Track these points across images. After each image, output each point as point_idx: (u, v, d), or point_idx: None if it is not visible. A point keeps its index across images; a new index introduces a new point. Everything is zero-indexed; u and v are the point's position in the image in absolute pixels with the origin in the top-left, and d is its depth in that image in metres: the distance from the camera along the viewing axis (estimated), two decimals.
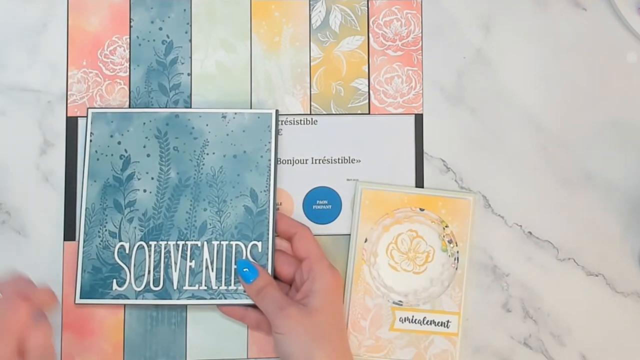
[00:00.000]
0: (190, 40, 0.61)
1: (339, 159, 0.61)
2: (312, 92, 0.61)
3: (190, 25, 0.61)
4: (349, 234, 0.60)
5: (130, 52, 0.60)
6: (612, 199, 0.62)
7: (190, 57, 0.61)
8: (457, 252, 0.60)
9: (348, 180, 0.61)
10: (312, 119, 0.61)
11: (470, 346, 0.61)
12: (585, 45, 0.63)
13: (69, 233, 0.59)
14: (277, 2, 0.61)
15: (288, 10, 0.61)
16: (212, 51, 0.61)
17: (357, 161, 0.61)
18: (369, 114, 0.61)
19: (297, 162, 0.61)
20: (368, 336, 0.59)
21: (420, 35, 0.62)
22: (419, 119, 0.61)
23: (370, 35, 0.62)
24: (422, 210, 0.60)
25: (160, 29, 0.61)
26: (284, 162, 0.61)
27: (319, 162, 0.61)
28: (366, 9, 0.62)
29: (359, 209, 0.60)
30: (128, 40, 0.60)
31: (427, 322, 0.59)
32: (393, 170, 0.61)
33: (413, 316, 0.59)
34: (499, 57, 0.63)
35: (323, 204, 0.61)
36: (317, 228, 0.60)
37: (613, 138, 0.63)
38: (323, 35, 0.62)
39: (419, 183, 0.61)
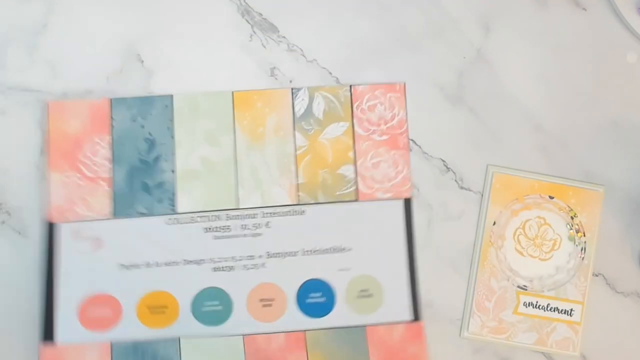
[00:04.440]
0: (173, 137, 0.60)
1: (329, 249, 0.60)
2: (298, 182, 0.60)
3: (173, 121, 0.60)
4: (346, 327, 0.59)
5: (112, 152, 0.59)
6: (612, 199, 0.62)
7: (174, 154, 0.59)
8: (585, 242, 0.60)
9: (340, 270, 0.59)
10: (299, 209, 0.60)
11: (470, 346, 0.61)
12: (585, 45, 0.63)
13: None
14: (260, 92, 0.60)
15: (270, 99, 0.60)
16: (196, 146, 0.60)
17: (348, 249, 0.60)
18: (357, 200, 0.60)
19: (287, 254, 0.59)
20: (492, 317, 0.60)
21: (405, 117, 0.61)
22: (407, 203, 0.60)
23: (354, 120, 0.61)
24: (551, 198, 0.61)
25: (143, 126, 0.60)
26: (274, 255, 0.59)
27: (310, 253, 0.59)
28: (349, 94, 0.61)
29: (489, 191, 0.60)
30: (110, 139, 0.59)
31: (550, 309, 0.60)
32: (384, 256, 0.60)
33: (537, 302, 0.60)
34: (499, 57, 0.63)
35: (316, 296, 0.59)
36: (312, 322, 0.59)
37: (613, 138, 0.63)
38: (307, 123, 0.60)
39: (412, 267, 0.60)
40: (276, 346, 0.58)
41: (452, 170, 0.62)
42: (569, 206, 0.61)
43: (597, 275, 0.62)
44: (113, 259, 0.58)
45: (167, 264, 0.59)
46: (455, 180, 0.62)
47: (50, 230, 0.58)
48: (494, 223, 0.61)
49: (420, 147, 0.62)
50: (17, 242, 0.59)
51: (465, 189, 0.62)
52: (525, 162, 0.62)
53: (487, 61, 0.63)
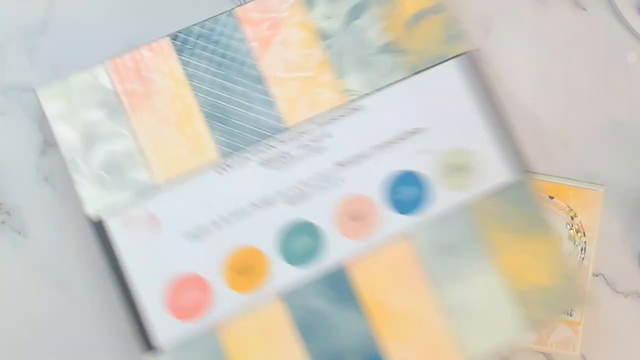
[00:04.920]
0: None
1: (400, 135, 0.54)
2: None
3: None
4: (449, 210, 0.53)
5: None
6: (612, 199, 0.62)
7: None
8: (585, 242, 0.61)
9: (421, 153, 0.54)
10: (355, 105, 0.54)
11: None
12: (585, 45, 0.63)
13: None
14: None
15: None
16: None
17: (422, 129, 0.54)
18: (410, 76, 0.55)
19: (358, 158, 0.54)
20: None
21: None
22: (469, 58, 0.55)
23: None
24: (551, 198, 0.61)
25: None
26: (345, 163, 0.54)
27: (382, 148, 0.54)
28: None
29: None
30: None
31: None
32: (462, 123, 0.54)
33: None
34: (499, 57, 0.63)
35: (407, 190, 0.53)
36: (413, 219, 0.53)
37: (613, 138, 0.63)
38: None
39: (499, 122, 0.55)
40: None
41: None
42: (569, 206, 0.61)
43: (597, 275, 0.62)
44: (175, 232, 0.52)
45: (235, 215, 0.52)
46: None
47: (100, 228, 0.52)
48: None
49: None
50: (17, 242, 0.59)
51: None
52: None
53: (487, 61, 0.63)
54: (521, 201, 0.54)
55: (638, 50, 0.64)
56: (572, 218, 0.61)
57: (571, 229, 0.61)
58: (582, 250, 0.61)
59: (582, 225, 0.61)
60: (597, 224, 0.61)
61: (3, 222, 0.59)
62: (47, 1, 0.61)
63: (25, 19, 0.60)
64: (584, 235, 0.61)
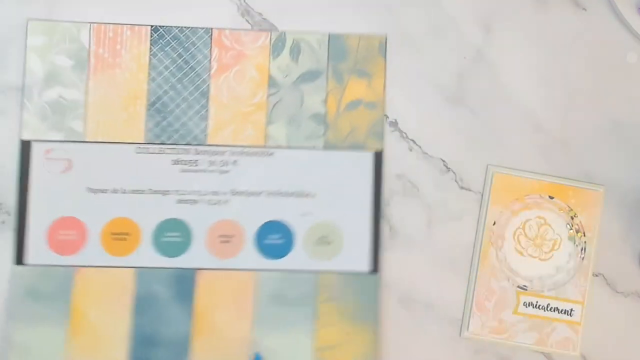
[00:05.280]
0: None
1: (293, 192, 0.60)
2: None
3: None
4: (300, 271, 0.60)
5: None
6: (612, 199, 0.62)
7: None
8: (585, 242, 0.61)
9: (302, 214, 0.60)
10: (268, 150, 0.60)
11: (470, 346, 0.61)
12: (585, 45, 0.63)
13: None
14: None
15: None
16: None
17: (313, 195, 0.60)
18: (326, 148, 0.61)
19: (251, 194, 0.60)
20: (492, 317, 0.60)
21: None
22: (378, 156, 0.61)
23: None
24: (551, 198, 0.61)
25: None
26: (238, 193, 0.60)
27: (274, 195, 0.60)
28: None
29: (489, 191, 0.60)
30: None
31: (550, 309, 0.60)
32: (348, 205, 0.60)
33: (537, 302, 0.60)
34: (499, 57, 0.63)
35: (275, 238, 0.60)
36: (267, 263, 0.60)
37: (613, 138, 0.63)
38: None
39: (376, 219, 0.60)
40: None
41: (452, 170, 0.62)
42: (569, 206, 0.61)
43: (597, 275, 0.62)
44: (81, 182, 0.59)
45: (133, 192, 0.59)
46: (455, 180, 0.62)
47: (26, 150, 0.59)
48: (494, 223, 0.61)
49: (420, 147, 0.62)
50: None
51: (465, 189, 0.62)
52: (525, 162, 0.62)
53: (487, 61, 0.63)
54: (363, 291, 0.60)
55: (638, 50, 0.64)
56: (572, 218, 0.61)
57: (571, 229, 0.61)
58: (582, 250, 0.61)
59: (582, 225, 0.61)
60: (597, 224, 0.61)
61: (3, 222, 0.59)
62: (47, 1, 0.61)
63: (25, 19, 0.60)
64: (584, 235, 0.61)
